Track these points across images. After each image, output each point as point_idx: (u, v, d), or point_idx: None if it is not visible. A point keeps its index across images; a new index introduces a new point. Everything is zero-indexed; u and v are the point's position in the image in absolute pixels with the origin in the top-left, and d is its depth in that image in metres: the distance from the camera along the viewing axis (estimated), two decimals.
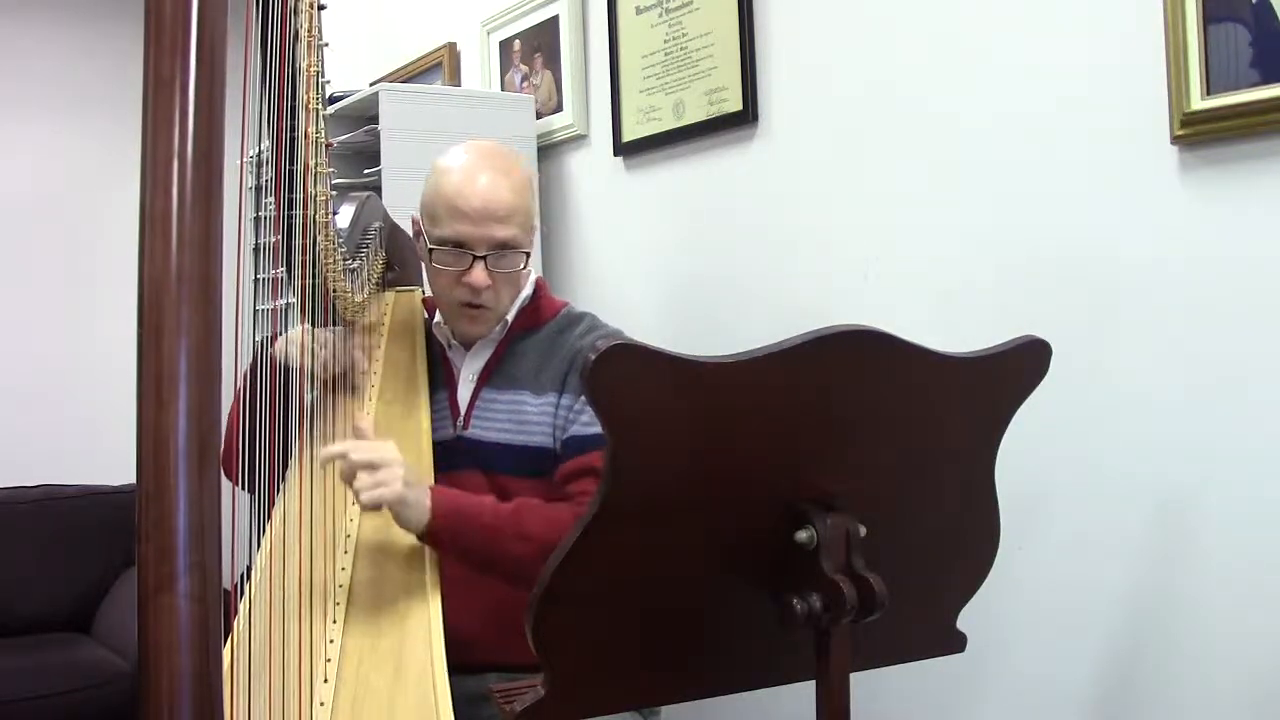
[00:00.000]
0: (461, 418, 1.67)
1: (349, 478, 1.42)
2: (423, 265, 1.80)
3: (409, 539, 1.50)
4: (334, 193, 1.51)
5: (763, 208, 2.16)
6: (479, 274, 1.61)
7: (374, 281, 1.74)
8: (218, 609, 0.68)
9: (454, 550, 1.47)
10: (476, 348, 1.71)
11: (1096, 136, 1.61)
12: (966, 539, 1.10)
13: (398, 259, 1.84)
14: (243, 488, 1.38)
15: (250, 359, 1.56)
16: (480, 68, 2.94)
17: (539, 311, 1.73)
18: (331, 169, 1.49)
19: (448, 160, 1.66)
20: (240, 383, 1.46)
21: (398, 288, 1.86)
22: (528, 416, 1.64)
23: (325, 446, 1.47)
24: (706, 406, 0.90)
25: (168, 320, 0.66)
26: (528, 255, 1.66)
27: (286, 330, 1.64)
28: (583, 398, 1.60)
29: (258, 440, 1.34)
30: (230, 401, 1.61)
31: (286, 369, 1.54)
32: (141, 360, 0.66)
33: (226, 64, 0.68)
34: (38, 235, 3.82)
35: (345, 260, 1.58)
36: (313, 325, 1.56)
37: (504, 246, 1.62)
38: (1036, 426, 1.23)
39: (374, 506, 1.42)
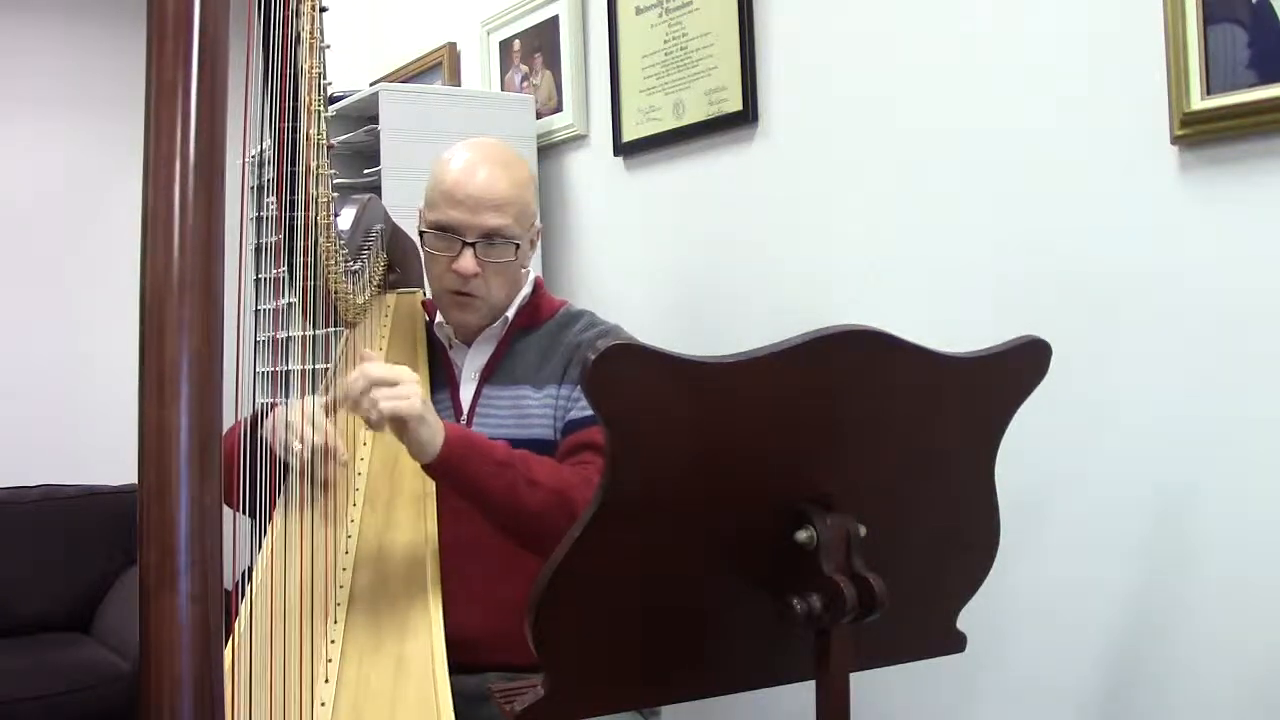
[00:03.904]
0: (464, 415, 1.68)
1: (361, 394, 1.37)
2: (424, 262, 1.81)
3: (410, 539, 1.50)
4: (335, 194, 1.51)
5: (762, 208, 2.17)
6: (467, 260, 1.62)
7: (375, 284, 1.74)
8: (219, 609, 0.68)
9: (460, 482, 1.45)
10: (477, 346, 1.72)
11: (1096, 137, 1.61)
12: (966, 539, 1.10)
13: (399, 261, 1.84)
14: (243, 513, 1.37)
15: (251, 412, 1.52)
16: (480, 68, 2.94)
17: (538, 310, 1.74)
18: (333, 170, 1.49)
19: (451, 153, 1.69)
20: (238, 430, 1.43)
21: (399, 289, 1.87)
22: (529, 411, 1.65)
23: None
24: (706, 406, 0.90)
25: (169, 321, 0.66)
26: (519, 248, 1.66)
27: (286, 328, 1.63)
28: (580, 387, 1.61)
29: (258, 470, 1.33)
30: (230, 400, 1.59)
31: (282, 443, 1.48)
32: (143, 360, 0.66)
33: (229, 67, 0.69)
34: (38, 235, 3.82)
35: (347, 262, 1.58)
36: (314, 327, 1.56)
37: (494, 235, 1.63)
38: (1036, 426, 1.23)
39: (392, 419, 1.37)
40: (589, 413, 1.59)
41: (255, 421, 1.50)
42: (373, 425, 1.40)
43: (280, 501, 1.51)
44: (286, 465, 1.51)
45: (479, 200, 1.62)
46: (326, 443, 1.47)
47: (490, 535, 1.50)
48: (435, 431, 1.41)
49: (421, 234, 1.67)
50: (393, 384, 1.38)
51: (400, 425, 1.39)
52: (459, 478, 1.45)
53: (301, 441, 1.45)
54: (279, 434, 1.47)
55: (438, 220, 1.64)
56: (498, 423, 1.66)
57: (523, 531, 1.47)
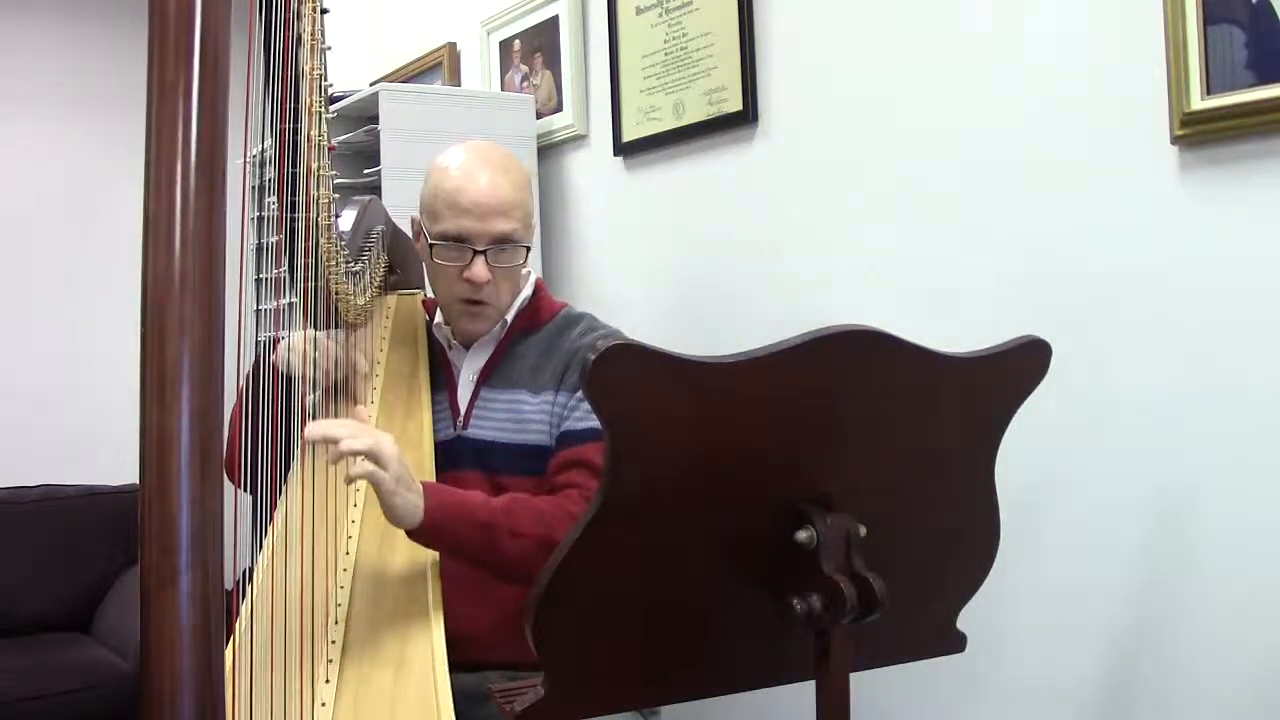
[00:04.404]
0: (461, 418, 1.68)
1: (337, 457, 1.36)
2: (424, 266, 1.81)
3: (409, 540, 1.50)
4: (336, 195, 1.51)
5: (762, 208, 2.17)
6: (480, 268, 1.62)
7: (376, 285, 1.74)
8: (220, 608, 0.68)
9: (446, 547, 1.46)
10: (476, 348, 1.72)
11: (1096, 137, 1.61)
12: (966, 539, 1.10)
13: (400, 262, 1.84)
14: (245, 490, 1.37)
15: (252, 361, 1.54)
16: (480, 68, 2.94)
17: (538, 312, 1.74)
18: (334, 172, 1.49)
19: (447, 159, 1.67)
20: (241, 385, 1.45)
21: (399, 291, 1.87)
22: (526, 415, 1.64)
23: (319, 425, 1.41)
24: (706, 406, 0.90)
25: (170, 321, 0.66)
26: (528, 250, 1.67)
27: (289, 332, 1.63)
28: (578, 394, 1.61)
29: (259, 442, 1.33)
30: (231, 402, 1.60)
31: (288, 376, 1.54)
32: (144, 360, 0.66)
33: (230, 68, 0.69)
34: (38, 235, 3.82)
35: (348, 263, 1.58)
36: (314, 328, 1.56)
37: (504, 240, 1.63)
38: (1036, 426, 1.23)
39: (369, 478, 1.36)
40: (585, 424, 1.59)
41: (256, 369, 1.50)
42: (349, 473, 1.38)
43: (282, 501, 1.51)
44: (289, 432, 1.50)
45: (486, 207, 1.61)
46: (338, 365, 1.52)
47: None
48: (414, 502, 1.40)
49: (431, 246, 1.65)
50: (374, 455, 1.36)
51: (376, 490, 1.38)
52: (440, 542, 1.45)
53: (323, 355, 1.50)
54: (300, 355, 1.51)
55: (446, 231, 1.62)
56: (494, 426, 1.65)
57: (506, 576, 1.48)
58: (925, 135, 1.86)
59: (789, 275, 2.11)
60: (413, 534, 1.43)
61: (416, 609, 1.41)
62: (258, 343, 1.59)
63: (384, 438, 1.39)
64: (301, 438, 1.53)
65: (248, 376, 1.28)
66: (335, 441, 1.35)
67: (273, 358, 1.53)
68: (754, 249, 2.19)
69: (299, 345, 1.56)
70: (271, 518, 1.49)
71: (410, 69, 3.21)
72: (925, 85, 1.86)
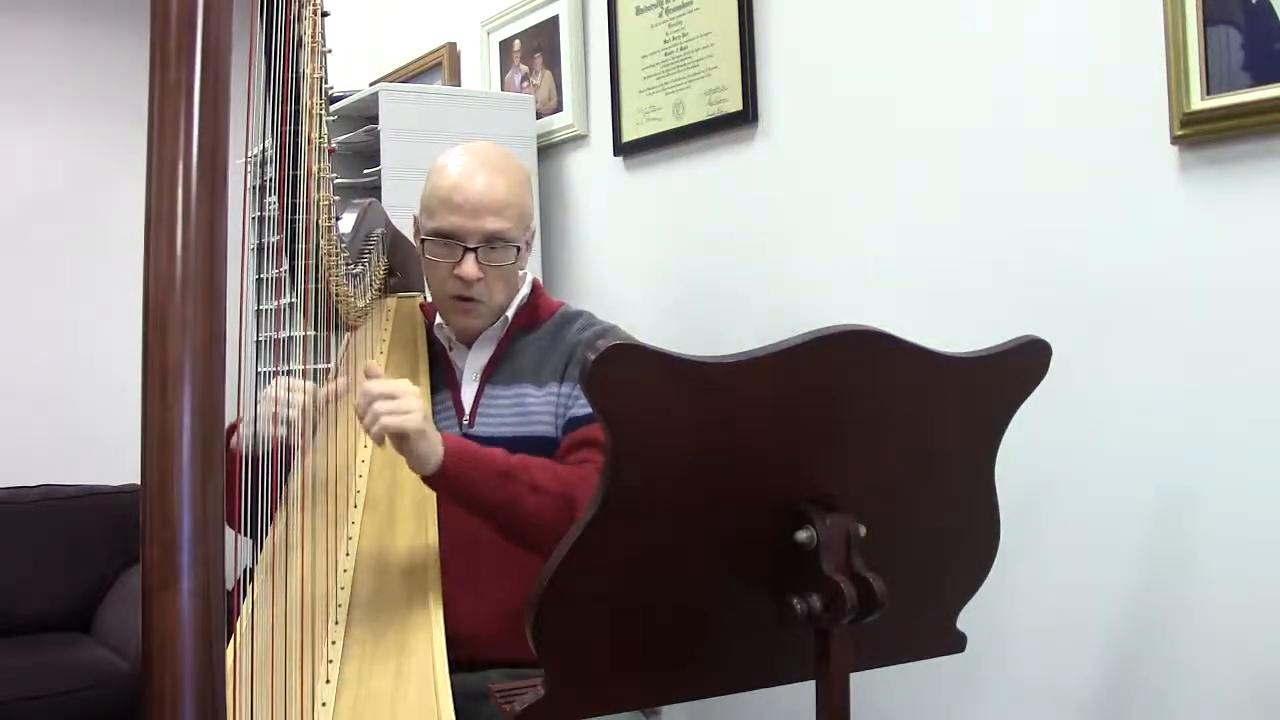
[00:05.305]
0: (467, 415, 1.68)
1: (364, 409, 1.38)
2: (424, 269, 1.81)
3: (410, 540, 1.50)
4: (336, 197, 1.51)
5: (762, 208, 2.17)
6: (469, 266, 1.63)
7: (376, 287, 1.75)
8: (221, 605, 0.68)
9: (463, 494, 1.45)
10: (477, 347, 1.72)
11: (1096, 137, 1.61)
12: (966, 539, 1.10)
13: (400, 265, 1.85)
14: (245, 535, 1.37)
15: (236, 418, 1.50)
16: (480, 68, 2.94)
17: (537, 310, 1.75)
18: (334, 174, 1.50)
19: (447, 159, 1.69)
20: (238, 449, 1.43)
21: (400, 294, 1.87)
22: (531, 408, 1.65)
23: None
24: (706, 406, 0.90)
25: (172, 321, 0.66)
26: (519, 250, 1.67)
27: (288, 329, 1.62)
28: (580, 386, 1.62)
29: (259, 490, 1.33)
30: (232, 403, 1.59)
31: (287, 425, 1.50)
32: (146, 360, 0.67)
33: (231, 71, 0.69)
34: (38, 235, 3.82)
35: (348, 265, 1.59)
36: (315, 329, 1.56)
37: (495, 239, 1.64)
38: (1036, 427, 1.23)
39: (394, 432, 1.37)
40: (590, 410, 1.59)
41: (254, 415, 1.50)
42: (375, 440, 1.41)
43: (282, 502, 1.51)
44: (288, 468, 1.51)
45: (478, 205, 1.62)
46: (320, 399, 1.51)
47: (494, 530, 1.51)
48: (435, 445, 1.42)
49: (422, 241, 1.67)
50: (393, 398, 1.39)
51: (401, 439, 1.40)
52: (459, 490, 1.45)
53: (291, 405, 1.48)
54: (300, 409, 1.49)
55: (438, 227, 1.64)
56: (500, 421, 1.66)
57: (527, 538, 1.47)
58: (925, 135, 1.86)
59: (789, 275, 2.11)
60: (431, 480, 1.43)
61: (417, 608, 1.41)
62: (258, 378, 1.57)
63: (399, 382, 1.42)
64: (302, 440, 1.53)
65: (233, 427, 1.28)
66: (362, 416, 1.39)
67: (271, 409, 1.49)
68: (754, 249, 2.19)
69: (299, 400, 1.51)
70: (273, 519, 1.49)
71: (410, 69, 3.21)
72: (925, 85, 1.86)
